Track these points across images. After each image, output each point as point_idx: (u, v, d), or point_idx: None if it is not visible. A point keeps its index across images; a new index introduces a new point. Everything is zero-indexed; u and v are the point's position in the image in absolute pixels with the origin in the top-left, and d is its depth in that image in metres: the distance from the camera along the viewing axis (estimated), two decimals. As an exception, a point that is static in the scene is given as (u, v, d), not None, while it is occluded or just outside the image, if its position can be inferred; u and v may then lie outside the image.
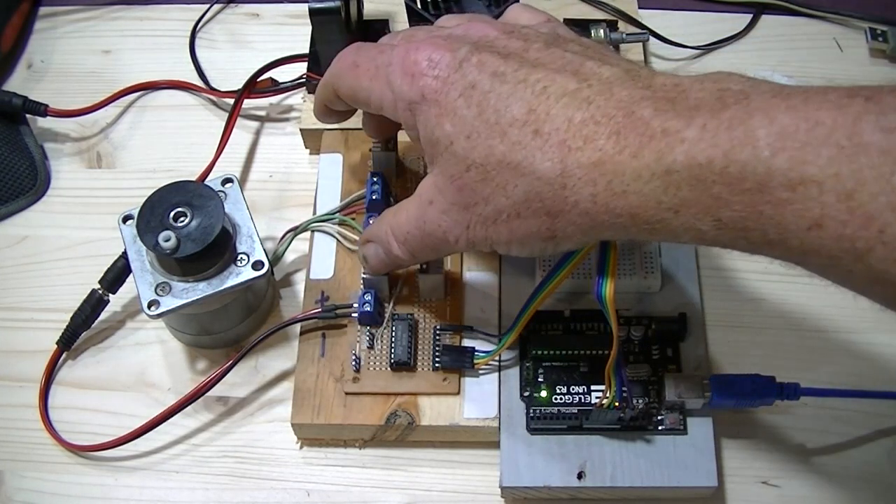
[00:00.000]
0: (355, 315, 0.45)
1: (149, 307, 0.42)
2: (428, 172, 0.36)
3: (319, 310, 0.45)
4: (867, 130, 0.26)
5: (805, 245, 0.27)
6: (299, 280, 0.49)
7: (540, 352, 0.44)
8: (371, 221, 0.46)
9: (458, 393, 0.43)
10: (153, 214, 0.42)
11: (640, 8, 0.58)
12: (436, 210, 0.36)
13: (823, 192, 0.26)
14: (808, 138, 0.26)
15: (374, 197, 0.47)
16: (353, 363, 0.44)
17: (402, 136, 0.50)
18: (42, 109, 0.54)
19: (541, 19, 0.39)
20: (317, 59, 0.52)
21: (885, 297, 0.28)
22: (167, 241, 0.41)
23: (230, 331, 0.46)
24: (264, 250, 0.44)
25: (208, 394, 0.44)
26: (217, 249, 0.43)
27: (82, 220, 0.52)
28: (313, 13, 0.47)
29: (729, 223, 0.28)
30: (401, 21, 0.55)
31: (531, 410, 0.42)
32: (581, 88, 0.32)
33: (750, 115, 0.28)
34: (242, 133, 0.55)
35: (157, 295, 0.42)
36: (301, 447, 0.45)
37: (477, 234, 0.35)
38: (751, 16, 0.60)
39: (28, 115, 0.55)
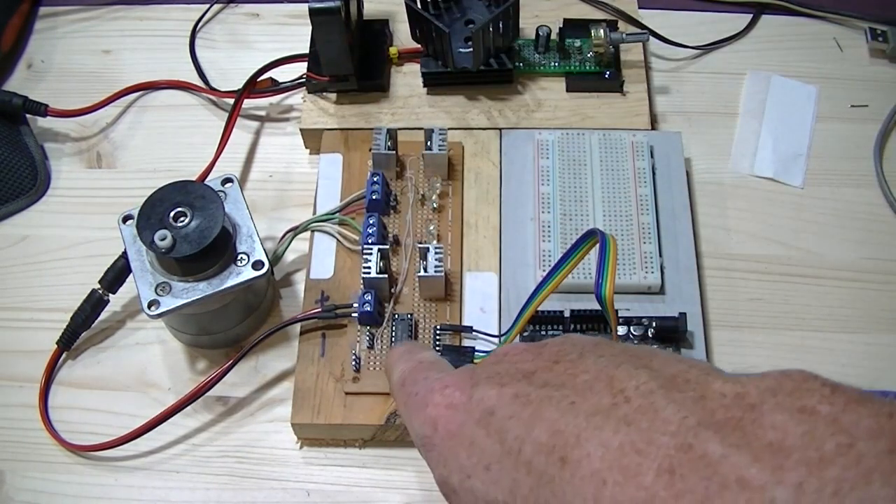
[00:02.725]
0: (355, 315, 0.45)
1: (149, 307, 0.42)
2: None
3: (319, 310, 0.45)
4: None
5: None
6: (299, 280, 0.49)
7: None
8: (371, 221, 0.46)
9: (458, 393, 0.43)
10: (153, 214, 0.42)
11: (640, 8, 0.58)
12: None
13: None
14: None
15: (374, 197, 0.47)
16: (353, 363, 0.44)
17: (402, 136, 0.50)
18: (42, 109, 0.54)
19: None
20: (317, 59, 0.52)
21: None
22: (163, 239, 0.41)
23: (230, 331, 0.46)
24: (264, 250, 0.44)
25: (208, 394, 0.44)
26: (217, 249, 0.43)
27: (82, 220, 0.52)
28: (313, 13, 0.47)
29: None
30: (401, 20, 0.55)
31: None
32: (617, 404, 0.26)
33: (867, 479, 0.21)
34: (242, 133, 0.55)
35: (157, 295, 0.42)
36: (301, 447, 0.45)
37: None
38: (751, 16, 0.60)
39: (28, 115, 0.55)
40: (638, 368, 0.27)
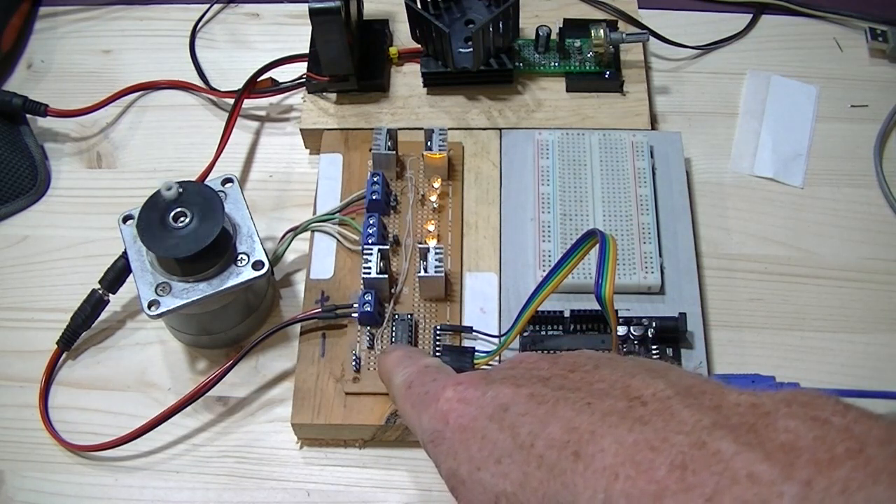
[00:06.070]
0: (355, 315, 0.45)
1: (149, 307, 0.42)
2: None
3: (319, 310, 0.45)
4: None
5: None
6: (299, 280, 0.49)
7: (540, 352, 0.44)
8: (371, 221, 0.46)
9: (458, 393, 0.43)
10: (153, 214, 0.42)
11: (640, 8, 0.58)
12: None
13: None
14: None
15: (374, 197, 0.47)
16: (354, 363, 0.44)
17: (402, 136, 0.50)
18: (42, 109, 0.54)
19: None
20: (317, 59, 0.52)
21: None
22: (169, 189, 0.41)
23: (230, 331, 0.46)
24: (264, 250, 0.44)
25: (208, 394, 0.44)
26: (217, 249, 0.43)
27: (82, 220, 0.52)
28: (313, 13, 0.47)
29: None
30: (401, 20, 0.55)
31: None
32: (633, 407, 0.26)
33: (874, 479, 0.21)
34: (242, 133, 0.55)
35: (157, 295, 0.42)
36: (301, 447, 0.45)
37: None
38: (751, 16, 0.60)
39: (28, 115, 0.55)
40: (654, 378, 0.28)
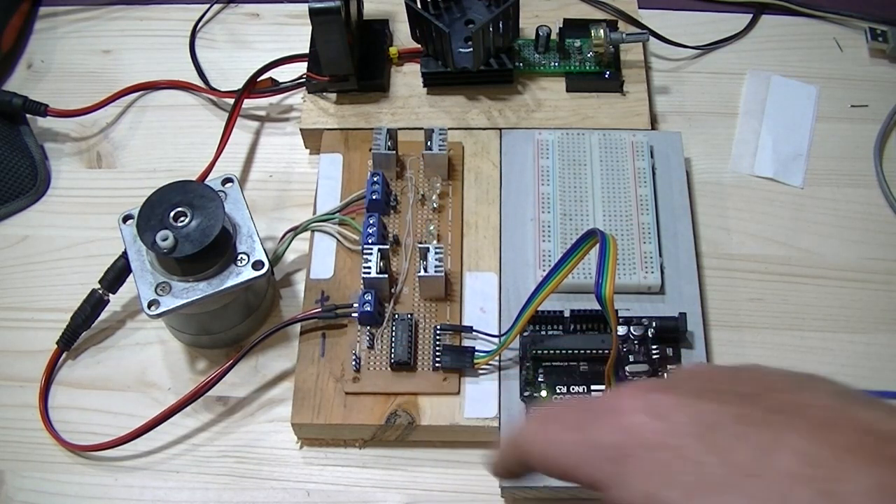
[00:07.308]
0: (355, 315, 0.45)
1: (149, 307, 0.42)
2: None
3: (319, 310, 0.45)
4: None
5: None
6: (299, 280, 0.49)
7: (540, 352, 0.44)
8: (371, 221, 0.46)
9: (458, 393, 0.43)
10: (153, 214, 0.42)
11: (640, 8, 0.58)
12: None
13: None
14: None
15: (374, 197, 0.47)
16: (353, 363, 0.44)
17: (402, 136, 0.50)
18: (42, 109, 0.54)
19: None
20: (317, 59, 0.52)
21: None
22: (165, 240, 0.41)
23: (230, 331, 0.46)
24: (264, 250, 0.44)
25: (208, 394, 0.44)
26: (217, 249, 0.43)
27: (82, 220, 0.52)
28: (313, 13, 0.47)
29: None
30: (401, 20, 0.55)
31: (531, 411, 0.42)
32: (876, 442, 0.24)
33: None
34: (242, 133, 0.55)
35: (157, 295, 0.42)
36: (301, 447, 0.45)
37: None
38: (751, 16, 0.60)
39: (28, 115, 0.55)
40: (872, 409, 0.25)
